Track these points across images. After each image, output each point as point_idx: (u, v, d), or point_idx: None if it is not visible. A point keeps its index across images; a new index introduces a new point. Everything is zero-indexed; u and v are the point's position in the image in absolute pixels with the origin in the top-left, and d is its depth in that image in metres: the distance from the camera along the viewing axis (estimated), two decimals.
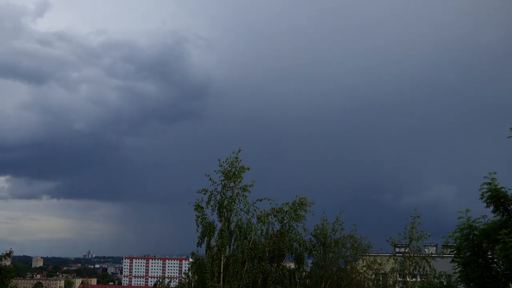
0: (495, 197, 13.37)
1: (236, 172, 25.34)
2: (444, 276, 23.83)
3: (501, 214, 13.55)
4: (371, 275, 30.73)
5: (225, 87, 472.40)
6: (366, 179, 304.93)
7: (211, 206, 25.39)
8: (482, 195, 13.64)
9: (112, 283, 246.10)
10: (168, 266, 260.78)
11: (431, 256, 30.66)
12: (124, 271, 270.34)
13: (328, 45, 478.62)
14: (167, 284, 36.92)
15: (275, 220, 27.82)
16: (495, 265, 13.84)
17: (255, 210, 26.17)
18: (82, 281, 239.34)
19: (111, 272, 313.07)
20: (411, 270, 29.76)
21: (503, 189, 13.37)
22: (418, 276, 30.05)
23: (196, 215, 25.69)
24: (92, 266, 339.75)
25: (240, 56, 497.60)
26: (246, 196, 25.52)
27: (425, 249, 34.97)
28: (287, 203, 27.84)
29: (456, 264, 14.69)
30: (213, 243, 25.57)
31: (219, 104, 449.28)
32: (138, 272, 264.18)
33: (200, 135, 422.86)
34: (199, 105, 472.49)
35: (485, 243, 13.79)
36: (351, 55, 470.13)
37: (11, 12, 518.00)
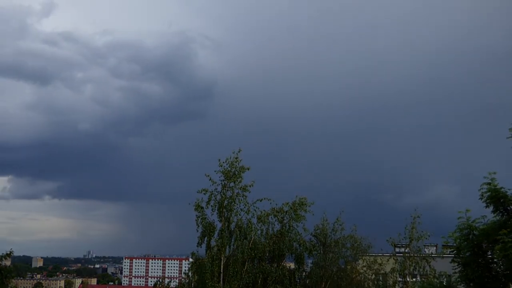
0: (495, 197, 13.38)
1: (236, 172, 25.35)
2: (444, 276, 23.85)
3: (500, 214, 13.56)
4: (371, 275, 30.74)
5: (227, 87, 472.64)
6: (366, 179, 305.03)
7: (211, 206, 25.40)
8: (482, 195, 13.66)
9: (112, 283, 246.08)
10: (168, 266, 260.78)
11: (431, 256, 30.67)
12: (124, 271, 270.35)
13: (330, 45, 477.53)
14: (167, 284, 36.96)
15: (275, 220, 27.83)
16: (495, 265, 13.86)
17: (255, 210, 26.20)
18: (82, 281, 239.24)
19: (111, 272, 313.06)
20: (411, 270, 29.77)
21: (502, 189, 13.38)
22: (418, 276, 30.06)
23: (196, 215, 25.71)
24: (92, 266, 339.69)
25: (244, 56, 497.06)
26: (246, 196, 25.55)
27: (425, 249, 34.98)
28: (287, 203, 27.85)
29: (456, 264, 14.70)
30: (213, 243, 25.59)
31: (221, 105, 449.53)
32: (138, 272, 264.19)
33: (202, 135, 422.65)
34: (203, 106, 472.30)
35: (485, 243, 13.80)
36: (351, 56, 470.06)
37: (17, 12, 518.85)
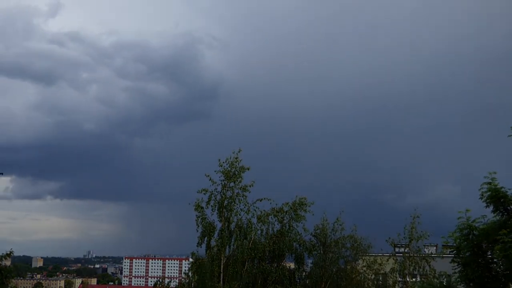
0: (495, 197, 13.39)
1: (236, 172, 25.37)
2: (444, 276, 23.85)
3: (500, 214, 13.57)
4: (371, 275, 30.73)
5: (232, 88, 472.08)
6: (367, 179, 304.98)
7: (211, 206, 25.43)
8: (482, 195, 13.66)
9: (112, 283, 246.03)
10: (168, 266, 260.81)
11: (431, 256, 30.67)
12: (124, 271, 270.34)
13: (334, 46, 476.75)
14: (167, 284, 36.87)
15: (275, 220, 27.86)
16: (495, 265, 13.86)
17: (255, 210, 26.25)
18: (82, 281, 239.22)
19: (111, 272, 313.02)
20: (411, 270, 29.77)
21: (503, 189, 13.39)
22: (418, 276, 30.07)
23: (196, 215, 25.74)
24: (92, 266, 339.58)
25: (249, 57, 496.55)
26: (246, 196, 25.59)
27: (425, 249, 34.98)
28: (287, 203, 27.87)
29: (456, 264, 14.70)
30: (213, 243, 25.61)
31: (226, 105, 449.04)
32: (138, 272, 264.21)
33: (206, 135, 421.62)
34: (208, 106, 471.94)
35: (484, 243, 13.80)
36: (354, 56, 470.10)
37: (23, 12, 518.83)
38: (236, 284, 24.97)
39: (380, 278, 31.48)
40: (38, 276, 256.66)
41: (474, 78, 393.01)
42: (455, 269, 14.82)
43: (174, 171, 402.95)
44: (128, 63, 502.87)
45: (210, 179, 25.36)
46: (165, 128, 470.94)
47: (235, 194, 25.42)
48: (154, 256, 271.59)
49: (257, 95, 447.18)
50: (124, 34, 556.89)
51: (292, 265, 29.63)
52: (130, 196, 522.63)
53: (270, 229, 27.81)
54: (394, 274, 30.64)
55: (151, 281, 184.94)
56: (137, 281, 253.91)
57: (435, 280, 25.46)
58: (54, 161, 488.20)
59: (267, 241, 27.15)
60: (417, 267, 29.62)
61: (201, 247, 25.87)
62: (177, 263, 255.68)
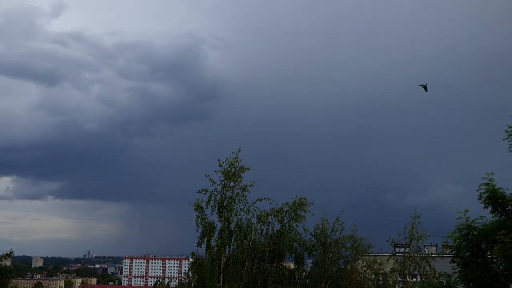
0: (493, 198, 13.42)
1: (236, 172, 25.38)
2: (444, 276, 23.88)
3: (499, 214, 13.60)
4: (371, 275, 30.75)
5: (233, 88, 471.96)
6: (368, 179, 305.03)
7: (211, 206, 25.44)
8: (480, 195, 13.70)
9: (112, 283, 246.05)
10: (168, 266, 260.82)
11: (431, 256, 30.70)
12: (124, 271, 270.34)
13: (334, 46, 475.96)
14: (167, 284, 36.93)
15: (275, 220, 27.88)
16: (494, 265, 13.89)
17: (255, 210, 26.26)
18: (82, 281, 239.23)
19: (111, 272, 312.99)
20: (411, 270, 29.80)
21: (501, 190, 13.42)
22: (418, 276, 30.09)
23: (196, 215, 25.75)
24: (92, 266, 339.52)
25: (250, 57, 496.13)
26: (246, 196, 25.60)
27: (425, 249, 35.00)
28: (287, 203, 27.88)
29: (456, 264, 14.73)
30: (213, 243, 25.62)
31: (226, 105, 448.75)
32: (138, 272, 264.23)
33: (207, 135, 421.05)
34: (209, 106, 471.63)
35: (484, 243, 13.83)
36: (355, 56, 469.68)
37: (26, 13, 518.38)
38: (236, 284, 24.98)
39: (380, 278, 31.50)
40: (38, 276, 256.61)
41: (474, 78, 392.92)
42: (454, 269, 14.84)
43: (174, 171, 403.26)
44: (131, 63, 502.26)
45: (210, 179, 25.40)
46: (166, 128, 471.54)
47: (235, 194, 25.43)
48: (154, 256, 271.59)
49: (258, 95, 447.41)
50: (127, 34, 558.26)
51: (292, 265, 29.65)
52: (130, 196, 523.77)
53: (270, 229, 27.85)
54: (394, 274, 30.67)
55: (151, 281, 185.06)
56: (137, 281, 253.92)
57: (435, 280, 25.48)
58: (54, 161, 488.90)
59: (267, 241, 27.17)
60: (417, 267, 29.65)
61: (201, 247, 25.91)
62: (177, 263, 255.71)
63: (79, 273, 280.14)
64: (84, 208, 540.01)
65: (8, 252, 22.04)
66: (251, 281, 26.42)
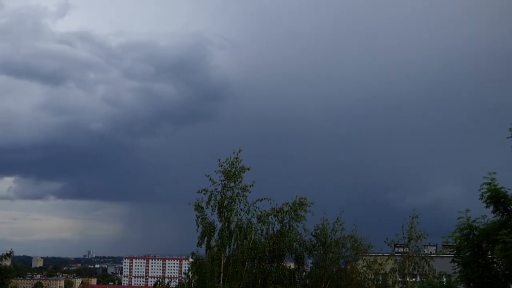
0: (495, 197, 13.40)
1: (236, 172, 25.36)
2: (444, 276, 23.87)
3: (501, 214, 13.58)
4: (371, 275, 30.74)
5: (235, 89, 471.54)
6: (369, 179, 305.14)
7: (211, 206, 25.41)
8: (482, 195, 13.68)
9: (112, 283, 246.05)
10: (168, 266, 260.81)
11: (430, 256, 30.70)
12: (124, 271, 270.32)
13: (337, 47, 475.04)
14: (167, 284, 36.93)
15: (275, 220, 27.86)
16: (495, 265, 13.87)
17: (255, 210, 26.24)
18: (82, 281, 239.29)
19: (111, 272, 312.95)
20: (411, 270, 29.79)
21: (502, 189, 13.40)
22: (418, 276, 30.08)
23: (196, 215, 25.72)
24: (92, 266, 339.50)
25: (252, 58, 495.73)
26: (246, 196, 25.57)
27: (425, 249, 35.01)
28: (287, 203, 27.86)
29: (456, 264, 14.71)
30: (213, 243, 25.60)
31: (230, 106, 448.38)
32: (138, 272, 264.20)
33: (210, 136, 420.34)
34: (213, 106, 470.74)
35: (485, 243, 13.81)
36: (352, 56, 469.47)
37: (32, 13, 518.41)
38: (236, 284, 24.97)
39: (380, 278, 31.49)
40: (38, 276, 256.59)
41: (474, 78, 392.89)
42: (455, 269, 14.82)
43: (177, 171, 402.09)
44: (136, 63, 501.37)
45: (210, 179, 25.38)
46: (171, 128, 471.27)
47: (235, 194, 25.41)
48: (154, 256, 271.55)
49: (260, 95, 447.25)
50: (132, 35, 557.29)
51: (292, 265, 29.62)
52: (131, 196, 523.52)
53: (270, 229, 27.82)
54: (394, 274, 30.66)
55: (151, 281, 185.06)
56: (137, 281, 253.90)
57: (435, 280, 25.47)
58: (56, 162, 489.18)
59: (267, 241, 27.15)
60: (416, 267, 29.65)
61: (201, 247, 25.88)
62: (177, 263, 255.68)
63: (79, 273, 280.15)
64: (85, 208, 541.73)
65: (8, 252, 22.01)
66: (251, 281, 26.41)
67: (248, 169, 25.65)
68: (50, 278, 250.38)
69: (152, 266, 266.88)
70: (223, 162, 25.48)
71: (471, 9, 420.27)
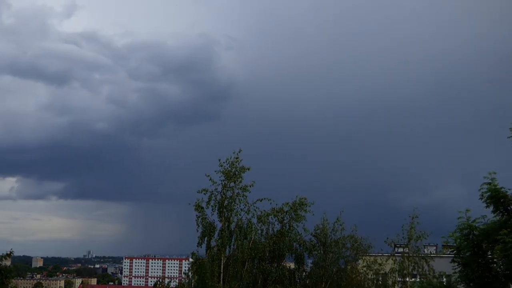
0: (495, 197, 13.40)
1: (237, 172, 25.36)
2: (444, 276, 23.87)
3: (501, 214, 13.58)
4: (371, 275, 30.75)
5: (240, 90, 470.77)
6: (369, 179, 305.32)
7: (211, 206, 25.41)
8: (482, 195, 13.68)
9: (112, 283, 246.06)
10: (168, 266, 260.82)
11: (430, 256, 30.70)
12: (124, 271, 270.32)
13: (339, 48, 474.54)
14: (167, 284, 37.01)
15: (275, 220, 27.84)
16: (495, 265, 13.87)
17: (255, 210, 26.23)
18: (82, 281, 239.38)
19: (111, 272, 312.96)
20: (410, 270, 29.79)
21: (503, 189, 13.40)
22: (418, 276, 30.08)
23: (196, 215, 25.71)
24: (92, 266, 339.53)
25: (255, 59, 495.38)
26: (246, 196, 25.56)
27: (425, 249, 35.01)
28: (287, 203, 27.86)
29: (456, 264, 14.71)
30: (213, 243, 25.59)
31: (234, 106, 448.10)
32: (138, 272, 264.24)
33: (213, 136, 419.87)
34: (216, 107, 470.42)
35: (485, 243, 13.81)
36: (353, 57, 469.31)
37: (38, 13, 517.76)
38: (236, 284, 24.97)
39: (380, 278, 31.50)
40: (38, 276, 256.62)
41: (474, 79, 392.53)
42: (455, 269, 14.83)
43: (179, 171, 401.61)
44: (142, 63, 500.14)
45: (210, 179, 25.38)
46: (174, 128, 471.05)
47: (235, 194, 25.41)
48: (154, 256, 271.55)
49: (262, 95, 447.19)
50: (138, 35, 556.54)
51: (292, 265, 29.63)
52: (130, 196, 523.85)
53: (270, 229, 27.81)
54: (394, 274, 30.67)
55: (151, 281, 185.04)
56: (137, 281, 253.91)
57: (435, 280, 25.48)
58: (59, 162, 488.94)
59: (267, 241, 27.14)
60: (416, 267, 29.65)
61: (201, 247, 25.86)
62: (177, 263, 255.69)
63: (79, 273, 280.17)
64: (86, 209, 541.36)
65: (8, 252, 22.00)
66: (251, 281, 26.40)
67: (248, 169, 25.66)
68: (50, 278, 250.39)
69: (152, 266, 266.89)
70: (223, 162, 25.49)
71: (471, 9, 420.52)
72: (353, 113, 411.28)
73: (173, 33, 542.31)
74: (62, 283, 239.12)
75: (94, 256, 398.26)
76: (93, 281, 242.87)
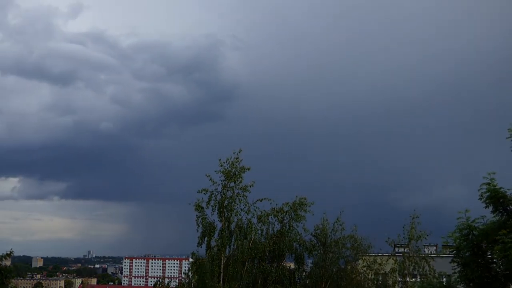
0: (494, 197, 13.41)
1: (237, 172, 25.37)
2: (443, 276, 23.87)
3: (500, 214, 13.59)
4: (371, 275, 30.74)
5: (243, 90, 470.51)
6: (369, 179, 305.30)
7: (211, 206, 25.43)
8: (481, 195, 13.68)
9: (112, 283, 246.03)
10: (168, 266, 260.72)
11: (430, 256, 30.69)
12: (124, 271, 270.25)
13: (343, 48, 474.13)
14: (167, 284, 36.90)
15: (275, 220, 27.87)
16: (495, 265, 13.88)
17: (255, 210, 26.25)
18: (82, 281, 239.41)
19: (111, 272, 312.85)
20: (411, 270, 29.79)
21: (502, 189, 13.40)
22: (418, 276, 30.07)
23: (197, 215, 25.74)
24: (92, 266, 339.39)
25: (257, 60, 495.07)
26: (246, 196, 25.59)
27: (425, 249, 34.98)
28: (287, 203, 27.88)
29: (456, 264, 14.72)
30: (213, 243, 25.62)
31: (237, 106, 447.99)
32: (138, 272, 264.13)
33: (214, 136, 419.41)
34: (220, 108, 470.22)
35: (484, 243, 13.82)
36: (353, 57, 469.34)
37: (44, 13, 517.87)
38: (236, 284, 24.98)
39: (380, 278, 31.48)
40: (38, 276, 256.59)
41: (475, 79, 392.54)
42: (455, 269, 14.83)
43: (181, 171, 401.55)
44: (147, 64, 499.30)
45: (211, 179, 25.40)
46: (178, 129, 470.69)
47: (235, 194, 25.43)
48: (154, 256, 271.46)
49: (263, 96, 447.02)
50: (144, 35, 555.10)
51: (292, 265, 29.64)
52: (131, 196, 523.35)
53: (270, 229, 27.84)
54: (394, 274, 30.65)
55: (151, 281, 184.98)
56: (137, 281, 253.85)
57: (435, 280, 25.48)
58: (61, 162, 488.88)
59: (267, 241, 27.16)
60: (416, 267, 29.65)
61: (201, 247, 25.90)
62: (177, 263, 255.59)
63: (79, 273, 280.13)
64: (86, 209, 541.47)
65: (8, 252, 22.00)
66: (251, 281, 26.41)
67: (248, 169, 25.69)
68: (50, 278, 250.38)
69: (152, 266, 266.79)
70: (224, 162, 25.51)
71: (471, 9, 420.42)
72: (354, 113, 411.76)
73: (178, 34, 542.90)
74: (62, 283, 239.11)
75: (94, 256, 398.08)
76: (93, 281, 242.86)
